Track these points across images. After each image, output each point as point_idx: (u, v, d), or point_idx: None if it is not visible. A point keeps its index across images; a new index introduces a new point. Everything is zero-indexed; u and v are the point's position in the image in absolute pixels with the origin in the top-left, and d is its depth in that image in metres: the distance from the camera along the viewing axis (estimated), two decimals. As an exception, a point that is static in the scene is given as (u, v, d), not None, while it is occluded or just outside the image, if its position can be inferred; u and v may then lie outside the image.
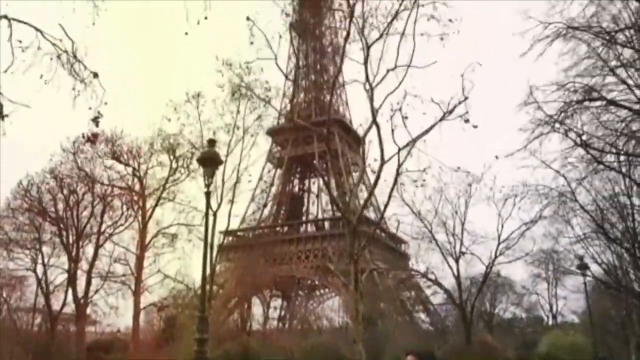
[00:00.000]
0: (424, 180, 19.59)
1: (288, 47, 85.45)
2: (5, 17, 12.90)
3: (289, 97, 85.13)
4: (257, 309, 64.05)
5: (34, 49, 13.54)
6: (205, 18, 11.91)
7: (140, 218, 31.65)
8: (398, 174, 17.92)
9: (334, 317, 69.84)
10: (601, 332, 38.33)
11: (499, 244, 22.19)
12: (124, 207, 34.58)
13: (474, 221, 24.50)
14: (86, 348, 37.26)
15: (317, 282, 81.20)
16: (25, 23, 13.17)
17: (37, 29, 13.32)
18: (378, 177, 18.15)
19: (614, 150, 19.41)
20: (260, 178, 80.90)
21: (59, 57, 13.69)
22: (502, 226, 22.61)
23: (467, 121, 17.78)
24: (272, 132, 74.02)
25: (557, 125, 19.06)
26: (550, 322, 54.80)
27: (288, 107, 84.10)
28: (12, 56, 13.65)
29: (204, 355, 17.27)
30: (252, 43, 20.52)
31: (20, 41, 13.31)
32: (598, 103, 19.17)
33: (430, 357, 3.94)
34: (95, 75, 14.23)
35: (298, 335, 49.06)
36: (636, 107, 19.07)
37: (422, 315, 66.75)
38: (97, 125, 21.05)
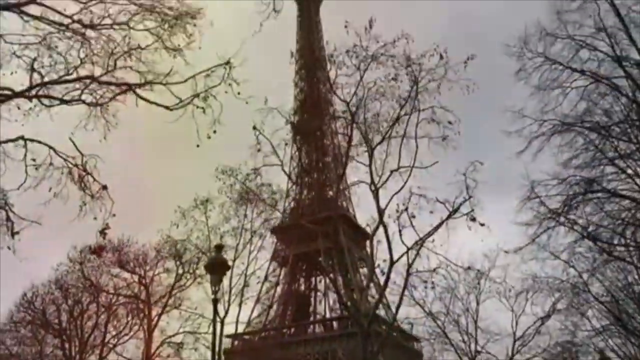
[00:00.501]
0: (433, 283, 19.43)
1: (290, 146, 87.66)
2: (22, 137, 13.44)
3: (292, 196, 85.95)
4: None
5: (45, 165, 14.01)
6: (214, 132, 12.39)
7: (145, 327, 30.96)
8: (408, 274, 17.77)
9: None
10: None
11: (514, 341, 21.52)
12: (129, 316, 33.99)
13: (487, 318, 23.94)
14: None
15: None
16: (39, 142, 13.72)
17: (50, 147, 13.82)
18: (388, 278, 17.99)
19: (622, 240, 19.32)
20: (266, 278, 79.83)
21: (70, 171, 14.11)
22: (517, 322, 22.06)
23: (473, 219, 17.91)
24: (276, 231, 74.07)
25: (561, 219, 19.16)
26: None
27: (292, 205, 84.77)
28: (25, 174, 14.07)
29: None
30: (259, 150, 21.20)
31: (34, 160, 13.79)
32: (600, 194, 19.36)
33: None
34: (105, 187, 14.56)
35: None
36: (638, 196, 19.25)
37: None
38: (104, 238, 21.19)
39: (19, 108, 13.38)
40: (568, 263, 20.85)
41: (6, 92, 13.15)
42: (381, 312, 54.79)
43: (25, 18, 13.41)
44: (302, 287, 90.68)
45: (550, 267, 30.45)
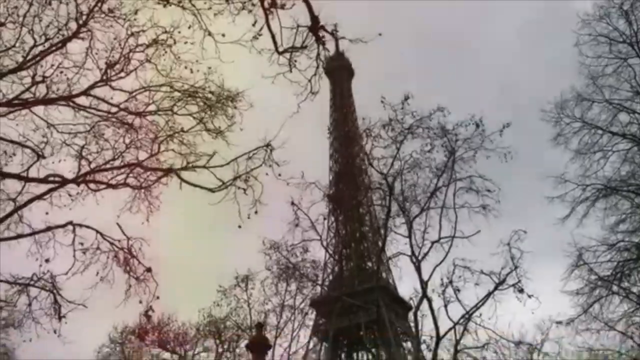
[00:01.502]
0: (484, 358, 18.58)
1: (328, 219, 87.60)
2: (71, 223, 13.83)
3: (331, 268, 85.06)
4: None
5: (93, 249, 14.29)
6: (256, 212, 12.50)
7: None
8: (456, 351, 17.07)
9: None
10: None
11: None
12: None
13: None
14: None
15: None
16: (87, 227, 14.07)
17: (97, 231, 14.16)
18: (435, 355, 17.28)
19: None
20: (306, 354, 77.64)
21: (116, 255, 14.34)
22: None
23: (521, 291, 17.34)
24: (315, 304, 72.77)
25: (614, 287, 18.41)
26: None
27: (331, 277, 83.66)
28: (74, 258, 14.36)
29: None
30: (297, 225, 21.27)
31: (81, 244, 14.10)
32: (655, 260, 18.62)
33: None
34: (149, 270, 14.70)
35: None
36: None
37: None
38: (148, 320, 21.23)
39: (69, 195, 13.83)
40: (625, 334, 19.78)
41: (57, 179, 13.67)
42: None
43: (76, 108, 14.14)
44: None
45: (606, 338, 28.92)
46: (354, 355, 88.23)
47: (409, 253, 19.41)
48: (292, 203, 21.53)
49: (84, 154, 14.30)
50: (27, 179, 13.57)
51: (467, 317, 17.36)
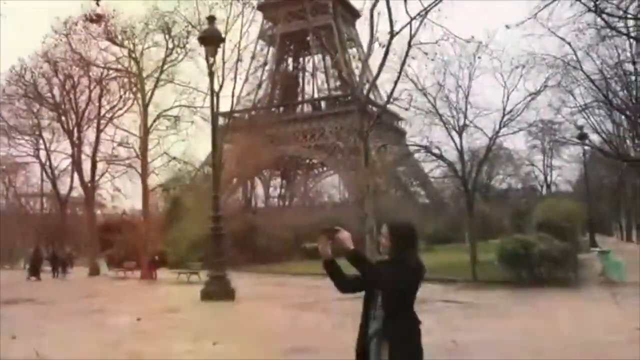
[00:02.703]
0: (436, 54, 19.12)
1: None
2: None
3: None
4: (256, 189, 65.65)
5: None
6: None
7: (139, 101, 31.18)
8: (410, 46, 17.47)
9: (334, 194, 71.67)
10: (595, 199, 39.71)
11: (503, 116, 22.12)
12: (122, 91, 34.01)
13: (478, 94, 24.28)
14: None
15: (315, 161, 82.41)
16: None
17: None
18: (387, 51, 17.72)
19: (627, 15, 18.90)
20: (253, 57, 78.58)
21: None
22: (508, 98, 22.42)
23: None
24: (263, 7, 70.83)
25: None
26: (544, 192, 56.68)
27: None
28: None
29: (221, 230, 18.01)
30: None
31: None
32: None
33: (403, 229, 3.33)
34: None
35: (301, 212, 50.61)
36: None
37: (419, 190, 68.82)
38: (97, 4, 20.20)
39: None
40: (564, 40, 20.64)
41: None
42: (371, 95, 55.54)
43: None
44: (290, 67, 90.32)
45: (548, 43, 30.26)
46: (300, 59, 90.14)
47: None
48: None
49: None
50: None
51: (425, 12, 17.36)
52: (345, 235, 3.10)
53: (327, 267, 3.21)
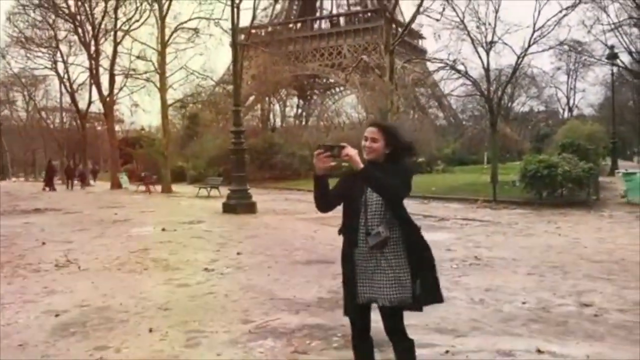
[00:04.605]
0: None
1: None
2: None
3: None
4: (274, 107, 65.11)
5: None
6: None
7: (157, 12, 30.42)
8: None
9: (352, 114, 71.03)
10: (618, 122, 38.84)
11: (533, 32, 21.24)
12: (138, 2, 33.14)
13: (507, 8, 23.34)
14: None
15: (332, 80, 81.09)
16: None
17: None
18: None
19: None
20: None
21: None
22: (539, 12, 21.45)
23: None
24: None
25: None
26: (565, 116, 55.67)
27: None
28: None
29: (242, 145, 18.00)
30: None
31: None
32: None
33: (392, 128, 3.13)
34: None
35: (319, 131, 50.37)
36: None
37: (437, 112, 67.83)
38: None
39: None
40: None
41: None
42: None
43: None
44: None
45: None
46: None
47: None
48: None
49: None
50: None
51: None
52: (353, 152, 2.92)
53: (319, 183, 3.06)
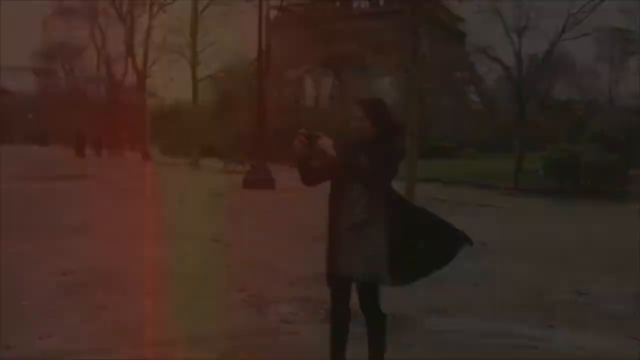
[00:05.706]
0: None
1: None
2: None
3: None
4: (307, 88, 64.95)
5: None
6: None
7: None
8: None
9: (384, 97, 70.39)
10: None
11: (568, 17, 20.66)
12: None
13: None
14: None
15: (367, 62, 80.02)
16: None
17: None
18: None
19: None
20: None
21: None
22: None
23: None
24: None
25: None
26: (606, 106, 54.00)
27: None
28: None
29: (263, 122, 18.08)
30: None
31: None
32: None
33: (379, 107, 3.05)
34: None
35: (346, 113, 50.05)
36: None
37: (473, 97, 66.57)
38: None
39: None
40: None
41: None
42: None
43: None
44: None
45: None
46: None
47: None
48: None
49: None
50: None
51: None
52: (326, 142, 2.90)
53: (303, 166, 3.10)
